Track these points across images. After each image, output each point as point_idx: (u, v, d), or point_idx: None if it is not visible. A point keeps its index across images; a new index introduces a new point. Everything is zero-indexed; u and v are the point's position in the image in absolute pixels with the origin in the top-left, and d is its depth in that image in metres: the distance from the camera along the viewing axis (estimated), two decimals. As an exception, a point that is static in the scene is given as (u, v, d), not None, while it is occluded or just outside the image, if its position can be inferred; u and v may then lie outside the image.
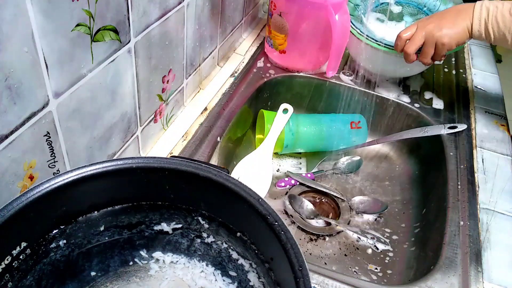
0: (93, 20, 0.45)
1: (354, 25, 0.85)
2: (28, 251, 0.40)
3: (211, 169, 0.44)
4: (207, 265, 0.52)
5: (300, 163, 0.88)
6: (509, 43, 0.69)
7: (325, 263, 0.70)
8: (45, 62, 0.41)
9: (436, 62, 1.00)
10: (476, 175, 0.73)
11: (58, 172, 0.48)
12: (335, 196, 0.80)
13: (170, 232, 0.51)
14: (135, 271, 0.51)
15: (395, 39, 0.80)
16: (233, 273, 0.50)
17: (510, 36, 0.69)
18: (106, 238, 0.48)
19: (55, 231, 0.43)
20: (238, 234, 0.46)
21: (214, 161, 0.73)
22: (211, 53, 0.83)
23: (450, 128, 0.80)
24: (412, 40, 0.77)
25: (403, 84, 0.93)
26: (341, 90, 0.91)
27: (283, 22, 0.84)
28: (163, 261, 0.52)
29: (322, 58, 0.90)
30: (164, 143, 0.71)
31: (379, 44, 0.83)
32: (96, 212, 0.46)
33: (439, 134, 0.80)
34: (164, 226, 0.50)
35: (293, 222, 0.75)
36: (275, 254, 0.41)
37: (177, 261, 0.52)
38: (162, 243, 0.52)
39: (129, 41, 0.53)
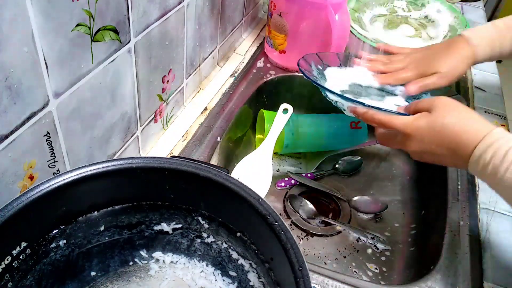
0: (93, 20, 0.45)
1: (353, 26, 0.85)
2: (28, 251, 0.40)
3: (211, 169, 0.44)
4: (207, 265, 0.52)
5: (300, 163, 0.88)
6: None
7: (325, 263, 0.70)
8: (45, 62, 0.41)
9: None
10: (476, 175, 0.73)
11: (58, 172, 0.48)
12: (335, 196, 0.80)
13: (170, 232, 0.51)
14: (135, 271, 0.51)
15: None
16: (233, 273, 0.50)
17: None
18: (106, 238, 0.48)
19: (55, 231, 0.43)
20: (238, 234, 0.46)
21: (214, 161, 0.73)
22: (211, 53, 0.83)
23: (450, 128, 0.80)
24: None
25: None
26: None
27: (283, 22, 0.84)
28: (163, 261, 0.52)
29: (322, 58, 0.90)
30: (164, 143, 0.71)
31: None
32: (96, 212, 0.46)
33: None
34: (164, 226, 0.50)
35: (293, 222, 0.75)
36: (275, 254, 0.41)
37: (177, 261, 0.52)
38: (162, 243, 0.52)
39: (129, 41, 0.53)
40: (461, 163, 0.51)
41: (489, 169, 0.47)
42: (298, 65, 0.69)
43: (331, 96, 0.65)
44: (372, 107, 0.59)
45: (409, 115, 0.57)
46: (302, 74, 0.69)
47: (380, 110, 0.59)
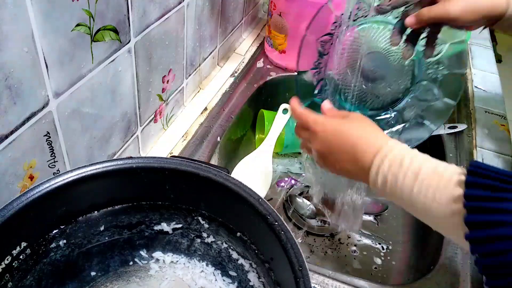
0: (93, 20, 0.45)
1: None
2: (28, 251, 0.40)
3: (211, 169, 0.44)
4: (207, 265, 0.52)
5: (300, 163, 0.88)
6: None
7: (325, 263, 0.70)
8: (45, 62, 0.41)
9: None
10: (476, 175, 0.73)
11: (58, 172, 0.48)
12: (335, 196, 0.80)
13: (170, 232, 0.51)
14: (135, 271, 0.51)
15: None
16: (233, 273, 0.50)
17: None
18: (106, 238, 0.48)
19: (55, 231, 0.43)
20: (238, 234, 0.46)
21: (214, 161, 0.73)
22: (211, 53, 0.83)
23: (450, 128, 0.80)
24: (298, 134, 0.61)
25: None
26: (341, 90, 0.91)
27: (283, 22, 0.84)
28: (163, 261, 0.52)
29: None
30: (164, 143, 0.71)
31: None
32: (96, 212, 0.46)
33: (439, 134, 0.80)
34: (164, 226, 0.50)
35: (293, 222, 0.75)
36: (275, 254, 0.41)
37: (177, 261, 0.52)
38: (162, 243, 0.52)
39: (129, 41, 0.53)
40: (363, 175, 0.48)
41: (389, 180, 0.45)
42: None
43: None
44: None
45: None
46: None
47: (304, 106, 0.59)
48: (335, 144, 0.52)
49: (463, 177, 0.39)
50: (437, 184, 0.41)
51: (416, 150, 0.46)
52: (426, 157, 0.44)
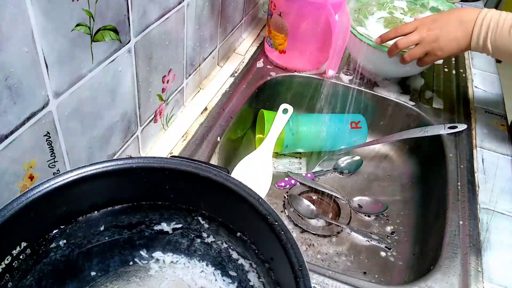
0: (93, 20, 0.45)
1: (353, 26, 0.85)
2: (28, 251, 0.40)
3: (211, 169, 0.44)
4: (207, 265, 0.52)
5: (300, 163, 0.88)
6: (507, 59, 0.69)
7: (325, 263, 0.70)
8: (45, 62, 0.41)
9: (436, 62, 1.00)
10: (476, 175, 0.73)
11: (58, 172, 0.48)
12: (335, 196, 0.80)
13: (170, 232, 0.51)
14: (135, 271, 0.51)
15: (390, 32, 0.80)
16: (233, 273, 0.50)
17: (507, 54, 0.69)
18: (106, 238, 0.48)
19: (55, 231, 0.43)
20: (238, 234, 0.46)
21: (214, 161, 0.73)
22: (211, 53, 0.83)
23: (450, 128, 0.80)
24: (407, 38, 0.77)
25: (403, 84, 0.93)
26: (341, 90, 0.91)
27: (283, 22, 0.84)
28: (163, 261, 0.52)
29: (322, 58, 0.90)
30: (164, 143, 0.71)
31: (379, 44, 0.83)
32: (96, 212, 0.46)
33: (439, 134, 0.80)
34: (164, 226, 0.50)
35: (293, 222, 0.75)
36: (275, 254, 0.41)
37: (177, 261, 0.52)
38: (162, 243, 0.52)
39: (129, 41, 0.53)
40: (467, 34, 0.71)
41: (491, 27, 0.68)
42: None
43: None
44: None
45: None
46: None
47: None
48: (443, 20, 0.74)
49: None
50: None
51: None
52: None
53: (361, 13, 0.93)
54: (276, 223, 0.40)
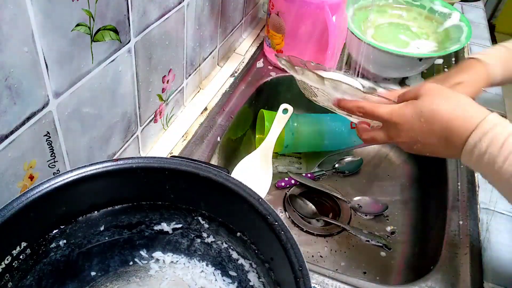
0: (93, 20, 0.45)
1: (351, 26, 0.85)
2: (28, 251, 0.40)
3: (211, 169, 0.44)
4: (207, 265, 0.52)
5: (300, 163, 0.88)
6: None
7: (325, 263, 0.70)
8: (45, 62, 0.41)
9: (437, 62, 1.00)
10: (476, 175, 0.73)
11: (58, 172, 0.48)
12: (335, 196, 0.80)
13: (170, 232, 0.51)
14: (135, 271, 0.51)
15: (351, 103, 0.58)
16: (233, 273, 0.50)
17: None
18: (106, 238, 0.48)
19: (55, 231, 0.43)
20: (238, 234, 0.46)
21: (214, 161, 0.73)
22: (211, 53, 0.83)
23: (450, 128, 0.80)
24: (372, 135, 0.57)
25: (403, 84, 0.93)
26: (341, 90, 0.91)
27: (280, 22, 0.84)
28: (163, 261, 0.52)
29: (320, 59, 0.90)
30: (164, 143, 0.71)
31: (379, 44, 0.83)
32: (96, 212, 0.46)
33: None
34: (164, 226, 0.50)
35: (293, 222, 0.75)
36: (275, 254, 0.41)
37: (177, 261, 0.52)
38: (162, 243, 0.52)
39: (129, 41, 0.53)
40: (454, 153, 0.47)
41: (485, 159, 0.43)
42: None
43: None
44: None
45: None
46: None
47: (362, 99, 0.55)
48: (423, 131, 0.49)
49: None
50: None
51: None
52: None
53: (364, 25, 0.93)
54: (276, 223, 0.40)
